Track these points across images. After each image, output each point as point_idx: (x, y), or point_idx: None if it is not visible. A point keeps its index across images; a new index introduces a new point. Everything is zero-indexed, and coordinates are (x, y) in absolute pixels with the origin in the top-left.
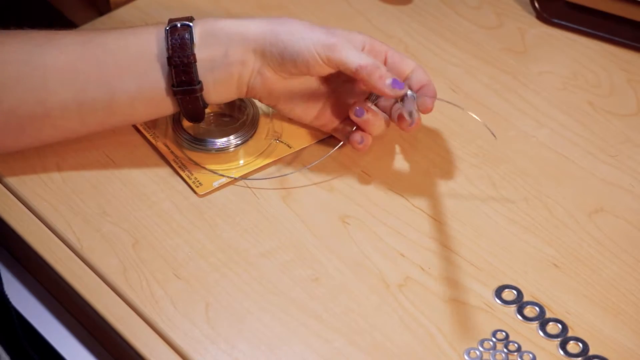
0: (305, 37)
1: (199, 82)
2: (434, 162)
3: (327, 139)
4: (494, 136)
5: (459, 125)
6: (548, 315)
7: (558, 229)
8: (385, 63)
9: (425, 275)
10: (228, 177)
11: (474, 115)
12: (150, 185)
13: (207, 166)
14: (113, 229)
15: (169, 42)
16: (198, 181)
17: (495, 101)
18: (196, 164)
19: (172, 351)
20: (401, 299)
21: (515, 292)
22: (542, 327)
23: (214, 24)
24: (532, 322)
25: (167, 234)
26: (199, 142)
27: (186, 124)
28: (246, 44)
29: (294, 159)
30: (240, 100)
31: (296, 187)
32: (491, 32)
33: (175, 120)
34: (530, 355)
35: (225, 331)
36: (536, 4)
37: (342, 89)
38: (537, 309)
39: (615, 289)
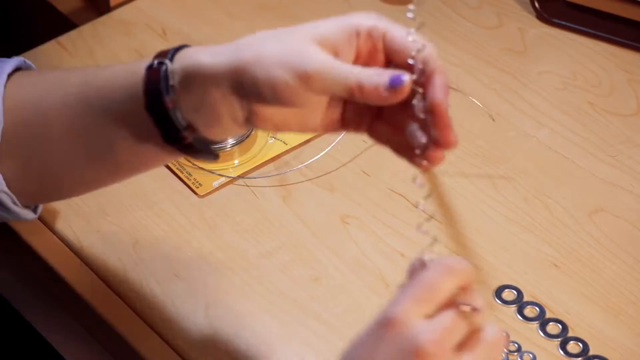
0: (277, 70)
1: (186, 128)
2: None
3: (324, 135)
4: (492, 119)
5: (459, 126)
6: (548, 315)
7: (558, 229)
8: (383, 47)
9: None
10: (227, 176)
11: (475, 100)
12: (150, 185)
13: (205, 166)
14: (113, 229)
15: (144, 88)
16: (197, 182)
17: (495, 101)
18: (193, 164)
19: (172, 351)
20: None
21: (515, 292)
22: (542, 327)
23: (188, 61)
24: (532, 322)
25: (167, 234)
26: None
27: None
28: (222, 87)
29: (292, 157)
30: None
31: (296, 187)
32: (491, 32)
33: None
34: (531, 355)
35: (225, 331)
36: (536, 4)
37: None
38: (537, 309)
39: (615, 289)
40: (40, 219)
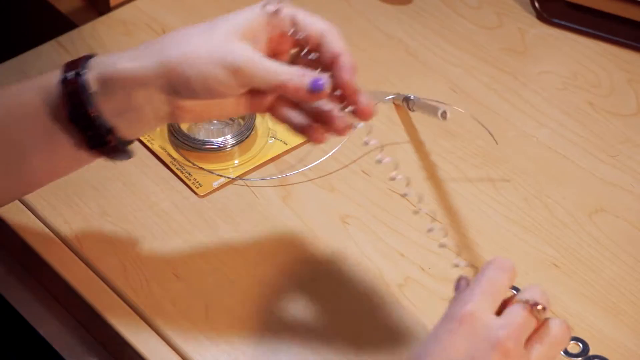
0: (208, 65)
1: (109, 132)
2: (435, 162)
3: None
4: (496, 142)
5: (459, 126)
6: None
7: (558, 229)
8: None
9: (425, 275)
10: (227, 177)
11: (478, 120)
12: (150, 185)
13: (205, 166)
14: (113, 229)
15: (64, 99)
16: (198, 182)
17: (495, 101)
18: (193, 164)
19: (172, 351)
20: (401, 299)
21: (515, 292)
22: None
23: (108, 68)
24: None
25: (167, 234)
26: (195, 141)
27: (183, 125)
28: (148, 87)
29: (292, 158)
30: None
31: (296, 187)
32: (491, 32)
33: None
34: None
35: (225, 331)
36: (536, 4)
37: None
38: None
39: (615, 289)
40: (40, 219)
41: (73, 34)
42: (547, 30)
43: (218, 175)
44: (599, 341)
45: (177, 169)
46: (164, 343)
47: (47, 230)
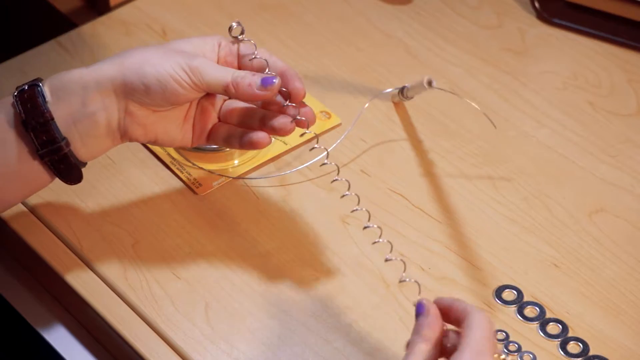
0: (164, 64)
1: (64, 139)
2: (434, 162)
3: (321, 137)
4: (494, 126)
5: (459, 126)
6: (548, 315)
7: (558, 229)
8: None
9: (425, 275)
10: (227, 177)
11: (474, 104)
12: (150, 185)
13: (205, 166)
14: (113, 229)
15: (19, 107)
16: (197, 182)
17: (495, 101)
18: (193, 164)
19: (172, 351)
20: (401, 299)
21: (515, 292)
22: (542, 327)
23: (63, 77)
24: (532, 322)
25: (167, 234)
26: None
27: None
28: (103, 88)
29: (292, 157)
30: None
31: (296, 187)
32: (491, 32)
33: None
34: (531, 355)
35: (225, 331)
36: (536, 4)
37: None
38: (537, 309)
39: (615, 289)
40: (40, 219)
41: (73, 34)
42: (547, 30)
43: (218, 175)
44: (599, 341)
45: (177, 169)
46: (164, 343)
47: (47, 230)
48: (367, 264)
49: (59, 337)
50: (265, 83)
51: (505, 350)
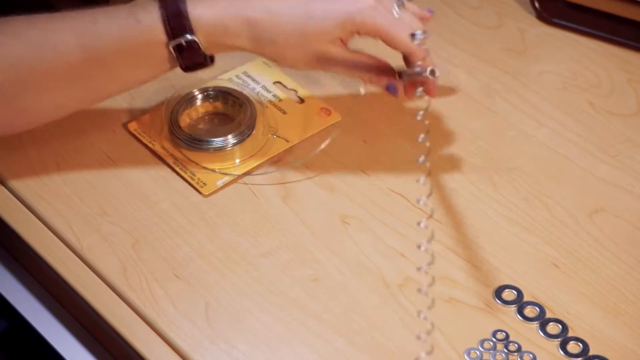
0: (301, 57)
1: (205, 57)
2: (434, 162)
3: (323, 132)
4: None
5: (459, 125)
6: (548, 315)
7: (558, 229)
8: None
9: (425, 275)
10: (232, 174)
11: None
12: (150, 185)
13: (207, 165)
14: (113, 229)
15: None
16: (202, 181)
17: (495, 101)
18: (196, 164)
19: (172, 351)
20: (401, 299)
21: (515, 292)
22: (542, 327)
23: (221, 42)
24: (532, 322)
25: (167, 234)
26: (196, 141)
27: (183, 123)
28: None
29: (292, 155)
30: (237, 98)
31: (296, 186)
32: (491, 32)
33: (173, 121)
34: (531, 355)
35: (225, 331)
36: (536, 4)
37: None
38: (537, 309)
39: (615, 289)
40: (40, 218)
41: None
42: (547, 30)
43: (223, 173)
44: (599, 341)
45: (181, 169)
46: (164, 343)
47: (47, 230)
48: (367, 264)
49: (59, 337)
50: (389, 89)
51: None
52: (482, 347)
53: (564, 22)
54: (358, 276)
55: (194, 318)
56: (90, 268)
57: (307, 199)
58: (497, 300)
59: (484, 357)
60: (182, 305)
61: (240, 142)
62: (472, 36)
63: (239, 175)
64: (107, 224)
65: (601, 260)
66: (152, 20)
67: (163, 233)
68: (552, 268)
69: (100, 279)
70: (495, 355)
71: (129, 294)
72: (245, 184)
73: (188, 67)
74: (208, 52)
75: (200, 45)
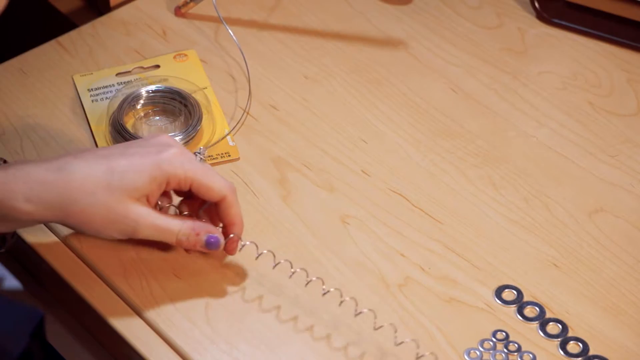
0: (105, 231)
1: None
2: (434, 162)
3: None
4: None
5: (459, 126)
6: (548, 315)
7: (558, 229)
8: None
9: (425, 275)
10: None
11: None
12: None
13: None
14: None
15: None
16: None
17: (495, 101)
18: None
19: (172, 351)
20: (401, 299)
21: (515, 292)
22: (542, 327)
23: (7, 205)
24: (532, 322)
25: None
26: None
27: (128, 124)
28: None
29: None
30: (183, 97)
31: (296, 187)
32: (491, 32)
33: (114, 121)
34: (531, 355)
35: (225, 331)
36: (536, 4)
37: None
38: (537, 309)
39: (615, 289)
40: None
41: (73, 34)
42: (547, 30)
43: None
44: (599, 341)
45: None
46: (164, 343)
47: (47, 230)
48: (367, 264)
49: (58, 336)
50: (209, 244)
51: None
52: (482, 347)
53: (564, 22)
54: (358, 276)
55: (194, 318)
56: (90, 268)
57: (307, 199)
58: (497, 300)
59: (484, 357)
60: (182, 305)
61: (188, 141)
62: (472, 36)
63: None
64: None
65: (601, 260)
66: None
67: None
68: (552, 268)
69: (101, 279)
70: (495, 355)
71: (129, 294)
72: (246, 183)
73: None
74: None
75: None
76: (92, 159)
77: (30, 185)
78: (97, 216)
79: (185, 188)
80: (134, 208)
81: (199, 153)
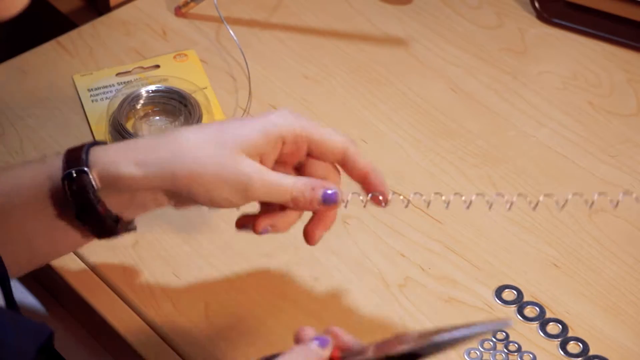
0: (217, 188)
1: (116, 221)
2: (434, 162)
3: None
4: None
5: (459, 126)
6: (548, 315)
7: (558, 229)
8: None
9: (425, 275)
10: None
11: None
12: None
13: None
14: None
15: (69, 197)
16: None
17: (495, 101)
18: None
19: (172, 351)
20: (401, 299)
21: (515, 292)
22: (542, 327)
23: (112, 172)
24: (532, 322)
25: (167, 234)
26: None
27: (128, 124)
28: (152, 194)
29: None
30: (183, 97)
31: None
32: (491, 32)
33: (114, 121)
34: (531, 355)
35: (225, 331)
36: (536, 4)
37: None
38: (537, 309)
39: (615, 289)
40: None
41: (73, 34)
42: (547, 30)
43: None
44: (599, 341)
45: None
46: (164, 343)
47: None
48: (367, 264)
49: (59, 337)
50: (326, 199)
51: None
52: (482, 347)
53: (564, 22)
54: (358, 276)
55: (194, 318)
56: (90, 268)
57: None
58: (497, 300)
59: (484, 357)
60: (182, 305)
61: None
62: (472, 36)
63: None
64: None
65: (601, 260)
66: (56, 158)
67: (163, 233)
68: (552, 268)
69: (101, 279)
70: (495, 355)
71: (129, 294)
72: None
73: (79, 210)
74: (104, 197)
75: (93, 181)
76: (203, 126)
77: (138, 151)
78: (207, 175)
79: (302, 150)
80: (246, 162)
81: None
